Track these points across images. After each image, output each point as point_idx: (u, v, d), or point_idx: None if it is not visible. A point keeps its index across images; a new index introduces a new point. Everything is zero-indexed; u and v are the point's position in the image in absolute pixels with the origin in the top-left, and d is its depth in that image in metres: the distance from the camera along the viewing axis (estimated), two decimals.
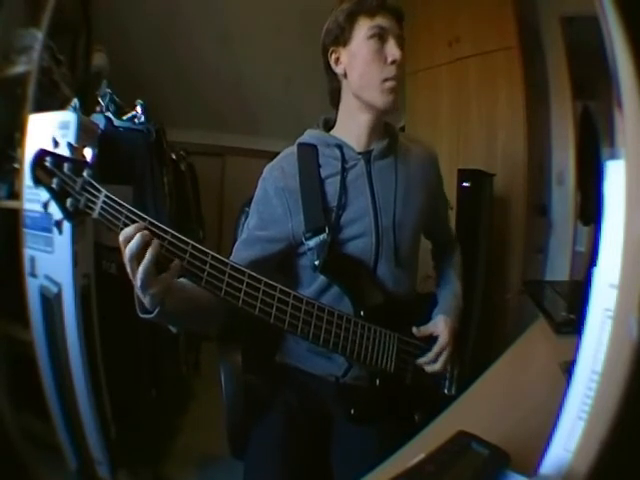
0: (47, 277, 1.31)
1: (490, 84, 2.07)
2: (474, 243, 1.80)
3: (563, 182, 2.06)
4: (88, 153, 0.78)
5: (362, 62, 0.87)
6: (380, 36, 0.86)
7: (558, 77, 2.02)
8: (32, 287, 1.32)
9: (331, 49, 0.91)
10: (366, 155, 0.92)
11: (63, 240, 1.26)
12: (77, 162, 0.74)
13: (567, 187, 2.03)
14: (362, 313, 0.87)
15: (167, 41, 2.32)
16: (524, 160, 1.96)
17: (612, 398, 0.40)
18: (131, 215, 0.71)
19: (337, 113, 0.97)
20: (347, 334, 0.82)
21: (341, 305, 0.87)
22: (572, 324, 1.05)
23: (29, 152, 1.22)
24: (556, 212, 2.10)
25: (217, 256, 0.73)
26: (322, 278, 0.90)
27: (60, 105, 1.47)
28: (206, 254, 0.72)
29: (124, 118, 1.59)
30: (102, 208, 0.72)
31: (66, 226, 1.17)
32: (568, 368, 0.77)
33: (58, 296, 1.30)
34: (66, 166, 0.73)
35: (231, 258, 0.88)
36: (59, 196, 0.73)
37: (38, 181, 0.72)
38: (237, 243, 0.93)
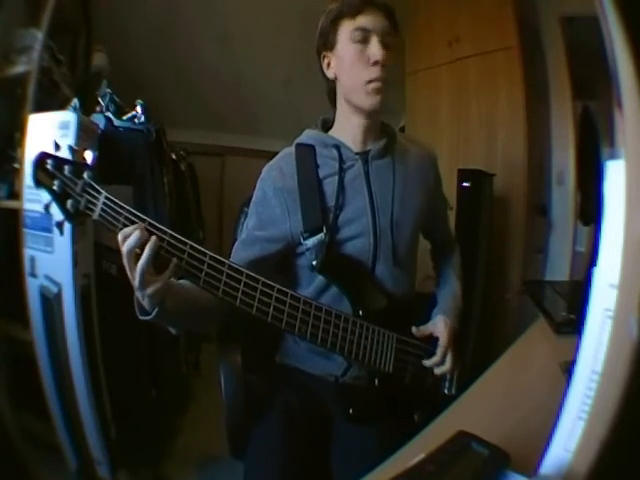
0: (47, 277, 1.31)
1: (490, 84, 2.07)
2: (474, 243, 1.80)
3: (563, 182, 2.06)
4: (88, 155, 0.80)
5: (347, 65, 0.87)
6: (363, 37, 0.84)
7: (558, 77, 2.02)
8: (32, 287, 1.32)
9: (322, 53, 0.91)
10: (364, 155, 0.92)
11: (63, 240, 1.26)
12: (78, 164, 0.75)
13: (567, 187, 2.03)
14: (360, 313, 0.87)
15: (167, 41, 2.31)
16: (524, 160, 1.97)
17: (612, 398, 0.40)
18: (130, 216, 0.72)
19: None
20: (345, 334, 0.82)
21: (341, 305, 0.87)
22: (572, 324, 1.05)
23: (29, 152, 1.22)
24: (556, 212, 2.10)
25: (215, 256, 0.74)
26: (321, 278, 0.90)
27: (60, 105, 1.46)
28: (204, 254, 0.73)
29: (124, 118, 1.58)
30: (102, 209, 0.73)
31: (66, 226, 1.17)
32: (568, 368, 0.77)
33: (58, 296, 1.30)
34: (67, 168, 0.74)
35: (230, 258, 0.88)
36: (60, 198, 0.74)
37: (39, 183, 0.74)
38: (236, 243, 0.93)
